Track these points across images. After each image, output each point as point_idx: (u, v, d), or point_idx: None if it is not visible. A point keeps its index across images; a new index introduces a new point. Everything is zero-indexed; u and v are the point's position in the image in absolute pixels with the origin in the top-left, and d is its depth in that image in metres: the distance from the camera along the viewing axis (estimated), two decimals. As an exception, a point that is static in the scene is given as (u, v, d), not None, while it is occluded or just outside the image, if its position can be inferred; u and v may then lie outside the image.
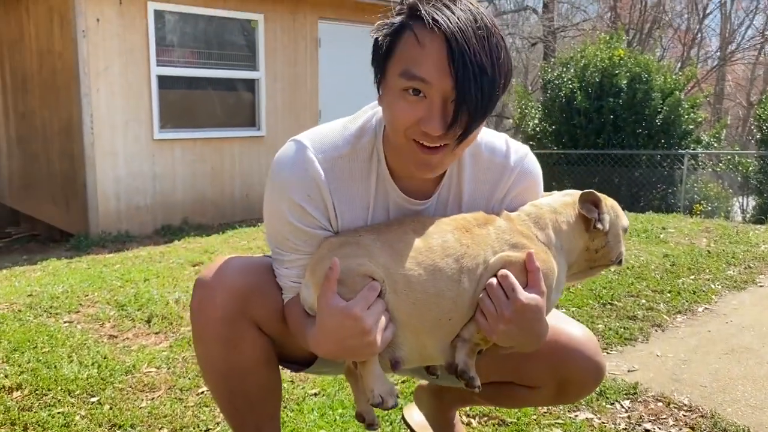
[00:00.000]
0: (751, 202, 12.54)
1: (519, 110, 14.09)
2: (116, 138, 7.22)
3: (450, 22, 1.29)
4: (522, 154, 1.62)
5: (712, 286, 4.37)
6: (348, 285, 1.40)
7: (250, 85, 8.23)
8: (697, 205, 10.40)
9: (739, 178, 11.91)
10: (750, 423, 2.44)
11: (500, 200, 1.61)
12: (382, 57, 1.39)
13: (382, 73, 1.40)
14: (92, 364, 2.96)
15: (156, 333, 3.47)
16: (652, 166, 11.21)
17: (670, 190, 11.23)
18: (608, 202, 1.62)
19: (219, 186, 8.08)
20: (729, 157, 12.23)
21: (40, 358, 3.01)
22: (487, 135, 1.59)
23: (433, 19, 1.29)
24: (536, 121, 13.29)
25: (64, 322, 3.64)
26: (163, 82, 7.51)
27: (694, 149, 11.54)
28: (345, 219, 1.54)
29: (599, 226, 1.54)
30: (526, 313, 1.36)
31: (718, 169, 12.29)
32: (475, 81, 1.29)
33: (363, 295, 1.37)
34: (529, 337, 1.42)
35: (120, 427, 2.39)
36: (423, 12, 1.31)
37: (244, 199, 8.30)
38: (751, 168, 11.62)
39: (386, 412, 2.29)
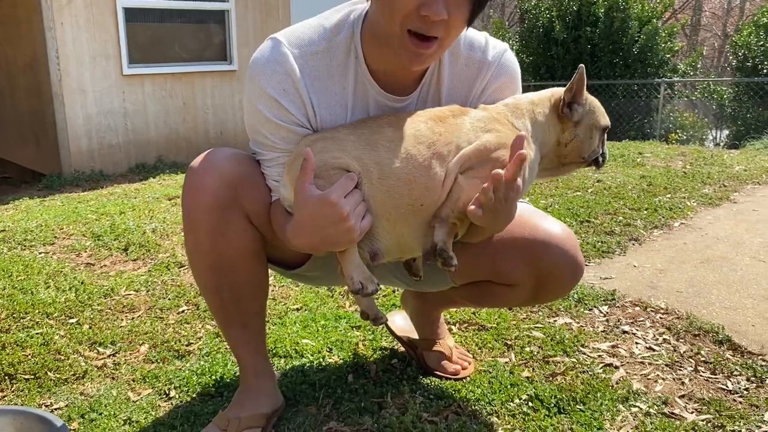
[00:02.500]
0: (724, 133, 12.62)
1: (496, 43, 13.87)
2: (84, 74, 6.99)
3: None
4: (500, 50, 1.62)
5: (688, 203, 4.42)
6: (324, 177, 1.40)
7: (220, 16, 7.97)
8: (673, 135, 10.46)
9: (714, 107, 11.95)
10: (724, 322, 2.49)
11: (478, 96, 1.63)
12: None
13: None
14: (69, 288, 2.93)
15: (134, 260, 3.44)
16: (628, 96, 11.19)
17: (646, 120, 11.26)
18: (589, 98, 1.60)
19: (192, 123, 7.92)
20: (705, 85, 12.23)
21: (16, 285, 2.97)
22: (467, 32, 1.56)
23: None
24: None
25: (39, 253, 3.58)
26: (130, 14, 7.24)
27: (670, 78, 11.52)
28: (324, 117, 1.52)
29: (566, 111, 1.55)
30: (509, 193, 1.34)
31: (694, 98, 12.31)
32: None
33: (340, 184, 1.36)
34: (502, 217, 1.40)
35: (100, 344, 2.37)
36: None
37: (218, 136, 8.16)
38: (726, 96, 11.66)
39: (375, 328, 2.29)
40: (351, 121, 1.55)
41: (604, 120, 1.63)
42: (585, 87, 1.57)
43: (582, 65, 1.54)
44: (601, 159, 1.63)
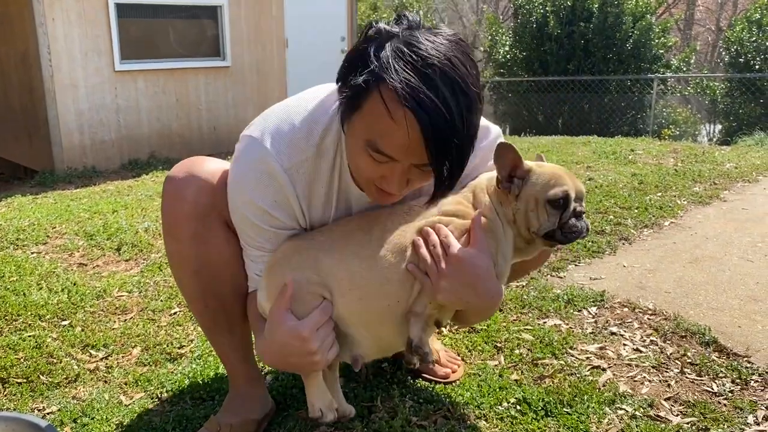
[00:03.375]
0: (717, 128, 12.67)
1: (489, 37, 13.89)
2: (76, 70, 6.97)
3: (426, 99, 1.16)
4: (492, 138, 1.60)
5: (678, 202, 4.45)
6: (299, 300, 1.46)
7: (213, 12, 7.95)
8: (666, 130, 10.50)
9: (707, 102, 11.99)
10: (711, 323, 2.52)
11: None
12: (347, 104, 1.29)
13: (348, 119, 1.31)
14: (62, 290, 2.94)
15: (126, 260, 3.45)
16: (621, 91, 11.22)
17: (639, 116, 11.30)
18: (536, 171, 1.48)
19: (185, 119, 7.91)
20: (698, 80, 12.27)
21: (8, 286, 2.98)
22: None
23: (407, 93, 1.16)
24: (507, 49, 13.14)
25: (32, 253, 3.58)
26: (122, 10, 7.22)
27: (663, 74, 11.55)
28: (313, 217, 1.55)
29: (504, 186, 1.47)
30: (462, 266, 1.38)
31: (687, 93, 12.35)
32: (451, 157, 1.24)
33: (313, 318, 1.43)
34: (477, 295, 1.42)
35: (93, 346, 2.39)
36: (395, 81, 1.17)
37: (211, 132, 8.16)
38: (718, 91, 11.70)
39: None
40: (336, 215, 1.58)
41: (552, 192, 1.44)
42: (521, 163, 1.47)
43: (503, 143, 1.46)
44: (559, 234, 1.46)
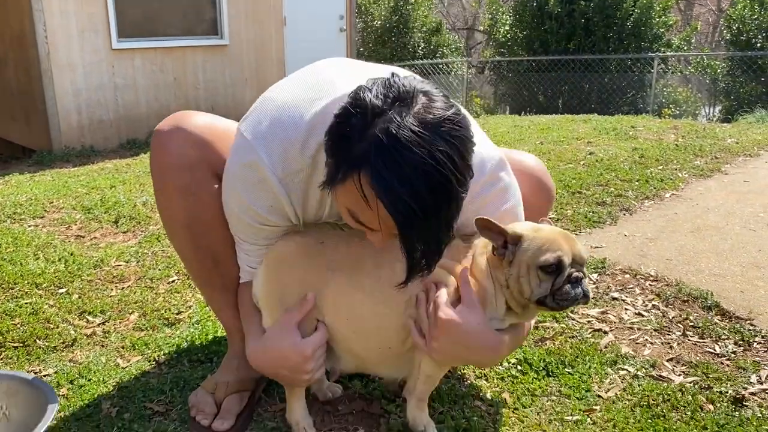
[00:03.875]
0: (717, 109, 12.57)
1: (489, 17, 13.78)
2: (73, 48, 6.90)
3: (400, 196, 1.14)
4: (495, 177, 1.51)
5: (680, 175, 4.42)
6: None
7: (211, -11, 7.86)
8: (666, 110, 10.44)
9: (707, 81, 11.91)
10: (713, 288, 2.51)
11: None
12: (330, 175, 1.24)
13: (331, 184, 1.25)
14: (59, 260, 2.92)
15: (124, 232, 3.42)
16: (622, 70, 11.14)
17: (639, 95, 11.22)
18: (528, 238, 1.41)
19: (183, 98, 7.84)
20: (698, 59, 12.18)
21: (4, 256, 2.95)
22: None
23: (382, 189, 1.14)
24: (507, 28, 13.03)
25: (29, 226, 3.56)
26: (118, -13, 7.14)
27: (664, 53, 11.46)
28: (307, 216, 1.53)
29: (499, 252, 1.42)
30: (450, 329, 1.37)
31: (687, 73, 12.27)
32: (423, 244, 1.24)
33: (317, 339, 1.48)
34: (472, 352, 1.42)
35: (89, 313, 2.37)
36: (371, 175, 1.15)
37: (209, 112, 8.09)
38: (719, 70, 11.62)
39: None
40: (330, 213, 1.55)
41: (543, 259, 1.37)
42: (506, 232, 1.40)
43: (478, 219, 1.37)
44: (550, 301, 1.38)
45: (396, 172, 1.13)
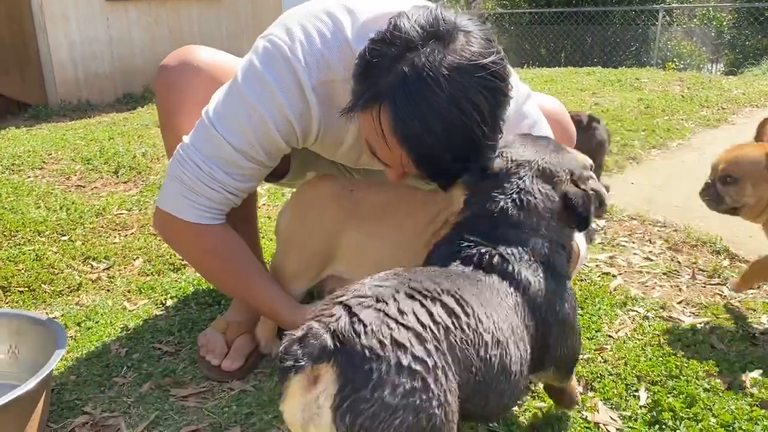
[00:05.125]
0: (719, 66, 12.38)
1: (491, -31, 13.50)
2: (66, 1, 6.74)
3: (418, 137, 1.10)
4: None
5: (686, 125, 4.37)
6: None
7: (205, -63, 7.66)
8: (670, 63, 10.28)
9: (712, 34, 11.73)
10: (721, 234, 2.49)
11: None
12: (353, 102, 1.19)
13: (352, 109, 1.20)
14: (60, 208, 2.88)
15: (125, 182, 3.38)
16: (626, 23, 10.95)
17: (642, 49, 11.06)
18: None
19: (180, 51, 7.71)
20: (704, 11, 11.97)
21: (5, 205, 2.91)
22: None
23: (401, 127, 1.10)
24: (509, -20, 12.78)
25: (28, 177, 3.51)
26: (110, -65, 6.94)
27: (669, 4, 11.25)
28: (324, 143, 1.46)
29: None
30: None
31: (693, 25, 12.08)
32: (444, 176, 1.20)
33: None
34: None
35: (93, 258, 2.34)
36: (392, 111, 1.10)
37: (207, 65, 7.96)
38: (725, 23, 11.43)
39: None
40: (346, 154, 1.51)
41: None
42: None
43: None
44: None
45: (416, 114, 1.08)
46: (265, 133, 1.35)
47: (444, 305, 0.97)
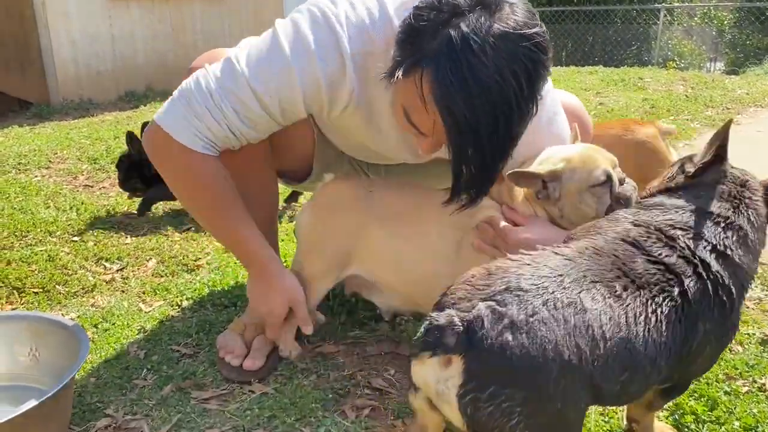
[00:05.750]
0: (718, 65, 12.38)
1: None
2: (68, -2, 6.72)
3: (458, 108, 1.09)
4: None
5: (692, 125, 4.37)
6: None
7: (208, -65, 7.64)
8: (671, 63, 10.29)
9: (713, 33, 11.73)
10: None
11: None
12: (395, 67, 1.19)
13: (393, 77, 1.21)
14: (70, 208, 2.88)
15: (133, 182, 3.37)
16: (627, 22, 10.96)
17: (644, 48, 11.06)
18: (566, 166, 1.40)
19: (182, 49, 7.68)
20: (705, 11, 11.98)
21: (15, 205, 2.91)
22: None
23: (443, 95, 1.10)
24: (509, -21, 12.73)
25: (35, 177, 3.51)
26: (113, -68, 6.92)
27: (670, 4, 11.26)
28: (352, 117, 1.44)
29: (540, 197, 1.43)
30: (526, 244, 1.30)
31: (693, 25, 12.08)
32: (471, 162, 1.17)
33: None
34: None
35: (106, 260, 2.34)
36: (436, 78, 1.10)
37: (209, 63, 7.94)
38: (726, 22, 11.44)
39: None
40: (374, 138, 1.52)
41: (594, 178, 1.38)
42: (542, 175, 1.40)
43: (511, 175, 1.37)
44: (616, 206, 1.38)
45: (459, 79, 1.09)
46: (289, 88, 1.34)
47: (587, 324, 0.98)
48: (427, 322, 0.97)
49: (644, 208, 1.23)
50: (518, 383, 0.94)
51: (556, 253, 1.10)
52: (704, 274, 1.10)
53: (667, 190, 1.25)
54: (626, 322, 1.02)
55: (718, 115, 4.72)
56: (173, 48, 7.62)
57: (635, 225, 1.17)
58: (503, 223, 1.42)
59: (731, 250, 1.13)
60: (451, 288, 1.05)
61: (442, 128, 1.15)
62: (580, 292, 1.01)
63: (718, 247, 1.13)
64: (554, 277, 1.02)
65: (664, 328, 1.05)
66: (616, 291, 1.04)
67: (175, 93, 1.40)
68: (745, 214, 1.18)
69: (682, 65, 10.69)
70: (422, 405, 1.09)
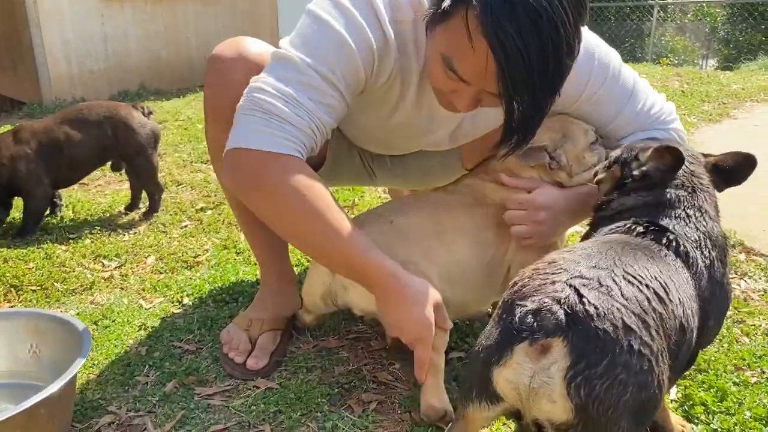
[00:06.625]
0: (711, 62, 12.40)
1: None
2: (60, -4, 6.67)
3: (508, 36, 1.06)
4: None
5: (689, 120, 4.37)
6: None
7: (201, -67, 7.60)
8: (664, 59, 10.31)
9: (706, 29, 11.77)
10: (737, 227, 2.48)
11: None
12: (434, 13, 1.18)
13: (431, 27, 1.20)
14: (66, 206, 2.85)
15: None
16: (620, 18, 10.97)
17: (637, 45, 11.09)
18: (558, 135, 1.52)
19: (175, 47, 7.64)
20: (698, 7, 12.02)
21: (10, 203, 2.87)
22: None
23: (490, 25, 1.06)
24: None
25: (30, 175, 3.46)
26: (105, -69, 6.87)
27: (663, 0, 11.29)
28: (390, 90, 1.41)
29: (552, 167, 1.53)
30: (549, 206, 1.48)
31: (686, 21, 12.12)
32: (523, 97, 1.13)
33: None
34: (577, 213, 1.53)
35: (104, 257, 2.31)
36: (481, 9, 1.07)
37: (203, 62, 7.85)
38: (719, 18, 11.48)
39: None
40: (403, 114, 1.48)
41: (589, 137, 1.53)
42: (544, 148, 1.51)
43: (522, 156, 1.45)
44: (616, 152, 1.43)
45: (508, 11, 1.06)
46: (349, 61, 1.27)
47: (656, 292, 1.03)
48: (518, 315, 0.96)
49: (617, 214, 1.31)
50: (627, 352, 0.94)
51: (579, 247, 1.15)
52: (693, 246, 1.21)
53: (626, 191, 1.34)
54: (682, 283, 1.12)
55: (714, 109, 4.72)
56: (166, 47, 7.58)
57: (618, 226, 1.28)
58: (523, 195, 1.48)
59: (703, 226, 1.26)
60: (518, 281, 1.05)
61: (487, 70, 1.11)
62: (633, 265, 1.06)
63: (698, 225, 1.26)
64: (601, 258, 1.07)
65: (692, 290, 1.15)
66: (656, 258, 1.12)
67: (237, 115, 1.28)
68: (701, 195, 1.32)
69: (676, 62, 10.71)
70: (491, 416, 1.06)
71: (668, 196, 1.27)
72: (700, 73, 6.71)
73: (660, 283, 1.06)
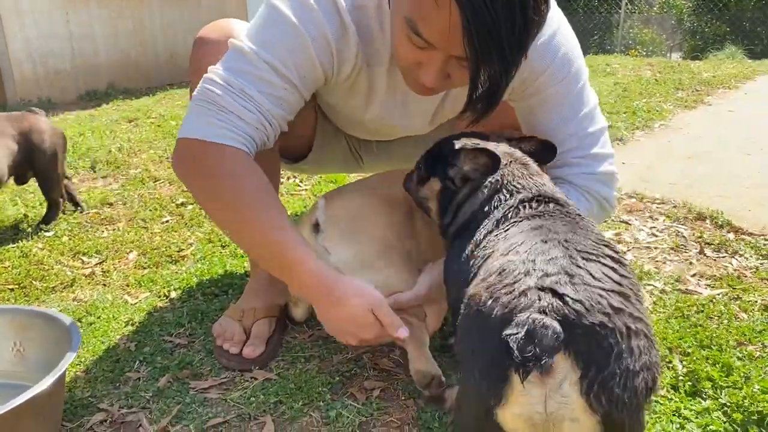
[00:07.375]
0: (676, 55, 12.56)
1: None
2: (21, -7, 6.48)
3: None
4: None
5: (665, 106, 4.41)
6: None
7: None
8: (632, 51, 10.42)
9: (672, 21, 11.93)
10: (721, 208, 2.49)
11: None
12: None
13: None
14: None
15: (103, 177, 3.24)
16: (589, 11, 11.06)
17: (606, 37, 11.19)
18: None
19: (143, 46, 7.50)
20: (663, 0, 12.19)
21: (-20, 203, 2.77)
22: None
23: None
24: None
25: (-1, 175, 3.34)
26: (68, -74, 6.70)
27: (631, -8, 11.42)
28: (358, 80, 1.36)
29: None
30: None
31: (653, 14, 12.27)
32: (490, 58, 1.05)
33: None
34: None
35: (84, 254, 2.23)
36: None
37: (169, 60, 7.74)
38: (684, 10, 11.64)
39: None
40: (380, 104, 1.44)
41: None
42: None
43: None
44: None
45: None
46: (302, 51, 1.24)
47: (611, 258, 0.95)
48: (514, 347, 0.81)
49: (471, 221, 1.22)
50: (626, 336, 0.85)
51: (514, 245, 1.03)
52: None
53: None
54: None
55: (689, 96, 4.77)
56: (135, 45, 7.43)
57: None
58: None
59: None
60: (477, 302, 0.92)
61: (451, 26, 1.04)
62: (578, 242, 0.98)
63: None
64: (549, 246, 0.97)
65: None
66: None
67: (191, 103, 1.27)
68: (531, 164, 1.27)
69: (644, 53, 10.83)
70: None
71: (506, 177, 1.21)
72: (671, 62, 6.80)
73: (606, 246, 0.98)
